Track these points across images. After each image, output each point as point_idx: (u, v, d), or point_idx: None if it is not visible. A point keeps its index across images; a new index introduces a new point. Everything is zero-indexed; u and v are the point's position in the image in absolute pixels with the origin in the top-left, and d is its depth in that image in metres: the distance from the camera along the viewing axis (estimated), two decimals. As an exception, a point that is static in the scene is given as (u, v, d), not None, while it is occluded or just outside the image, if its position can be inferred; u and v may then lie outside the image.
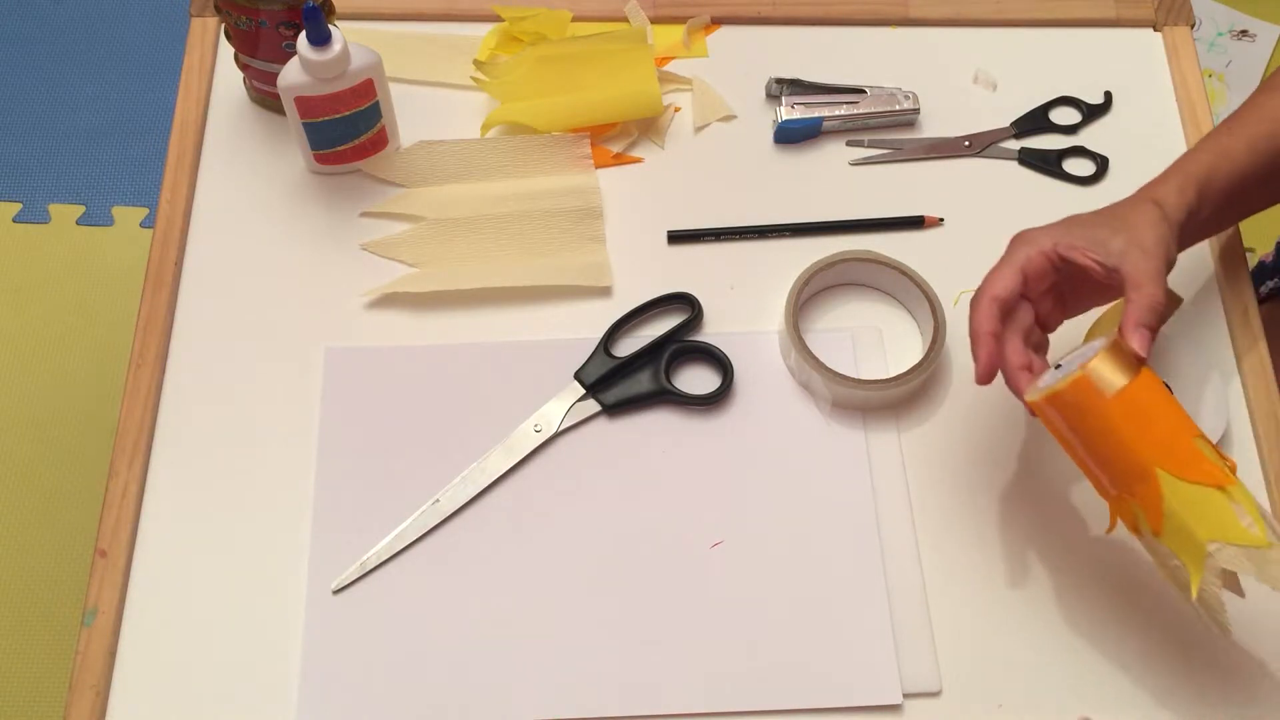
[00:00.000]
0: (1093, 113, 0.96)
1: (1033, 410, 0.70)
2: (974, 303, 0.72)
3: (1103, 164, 0.93)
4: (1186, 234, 0.74)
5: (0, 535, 1.50)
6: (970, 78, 0.98)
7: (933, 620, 0.77)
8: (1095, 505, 0.81)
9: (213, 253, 0.87)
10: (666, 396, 0.83)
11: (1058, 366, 0.71)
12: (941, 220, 0.91)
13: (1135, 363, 0.67)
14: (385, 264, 0.87)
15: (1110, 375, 0.67)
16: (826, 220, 0.90)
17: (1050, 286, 0.73)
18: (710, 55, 0.98)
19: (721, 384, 0.83)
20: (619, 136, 0.93)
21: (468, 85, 0.94)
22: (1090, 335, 0.82)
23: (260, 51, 0.87)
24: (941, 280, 0.85)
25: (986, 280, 0.72)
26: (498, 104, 0.93)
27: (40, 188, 1.77)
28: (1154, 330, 0.68)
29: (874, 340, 0.86)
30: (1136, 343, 0.67)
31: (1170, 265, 0.71)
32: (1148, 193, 0.75)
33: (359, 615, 0.76)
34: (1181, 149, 0.94)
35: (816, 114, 0.93)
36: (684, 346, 0.85)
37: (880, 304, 0.88)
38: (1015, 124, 0.95)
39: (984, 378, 0.70)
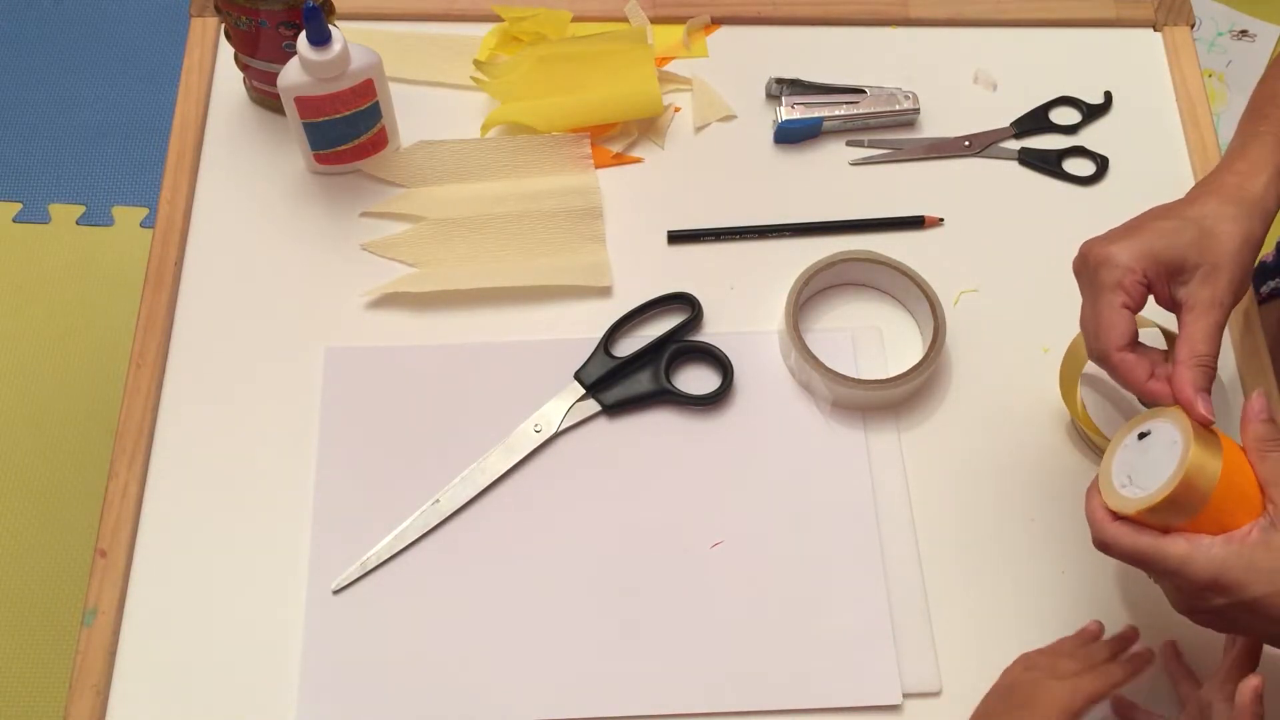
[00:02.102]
0: (1093, 113, 0.96)
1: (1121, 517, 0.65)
2: (1105, 362, 0.65)
3: (1103, 164, 0.93)
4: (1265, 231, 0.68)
5: (0, 535, 1.50)
6: (970, 78, 0.98)
7: (933, 620, 0.77)
8: (1095, 505, 0.81)
9: (213, 253, 0.87)
10: (666, 396, 0.83)
11: (1139, 438, 0.66)
12: (941, 220, 0.91)
13: (1214, 440, 0.63)
14: (385, 264, 0.87)
15: (1210, 466, 0.61)
16: (826, 220, 0.90)
17: None
18: (710, 55, 0.98)
19: (721, 384, 0.83)
20: (619, 136, 0.93)
21: (468, 85, 0.94)
22: (1068, 363, 0.81)
23: (260, 51, 0.87)
24: (941, 280, 0.86)
25: (1100, 331, 0.65)
26: (498, 104, 0.93)
27: (40, 188, 1.77)
28: (1209, 390, 0.64)
29: (874, 340, 0.86)
30: (1204, 408, 0.63)
31: (1239, 298, 0.66)
32: (1237, 187, 0.68)
33: (359, 615, 0.76)
34: (1181, 149, 0.94)
35: (816, 114, 0.93)
36: (684, 346, 0.85)
37: (880, 304, 0.88)
38: (1015, 124, 0.95)
39: (1205, 414, 0.63)
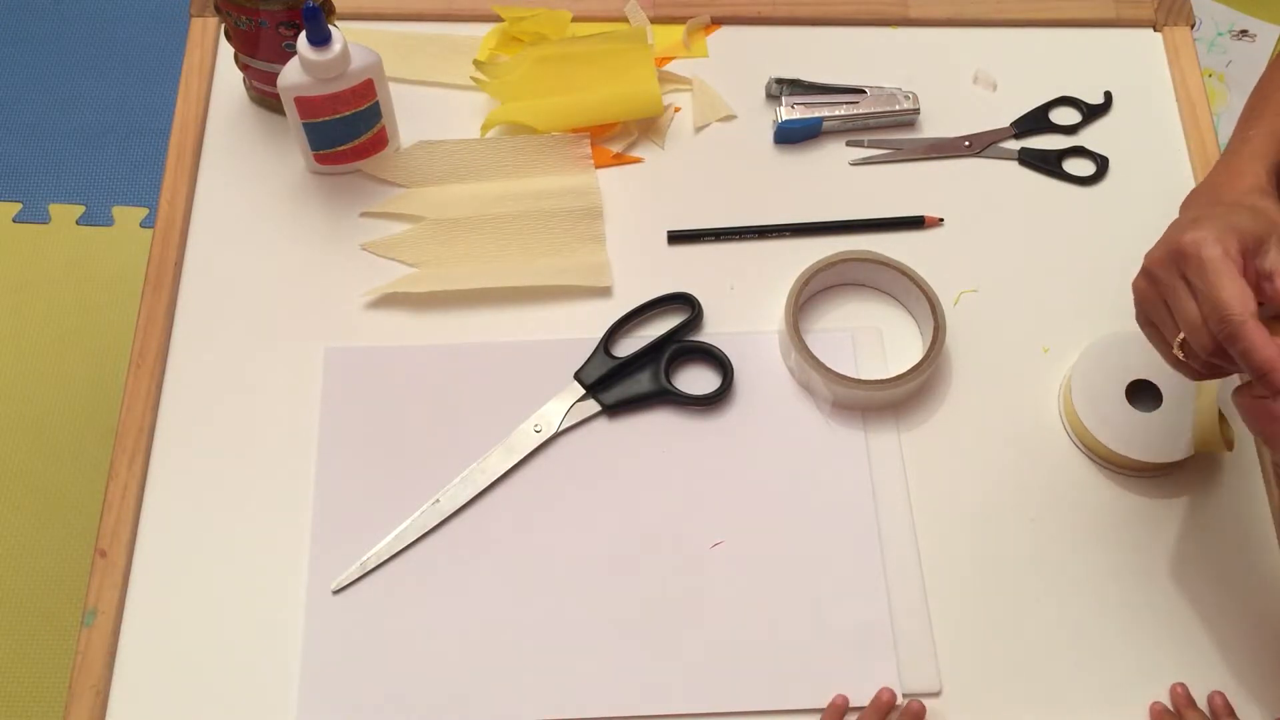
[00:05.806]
0: (1093, 113, 0.96)
1: None
2: (1237, 334, 0.61)
3: (1103, 164, 0.93)
4: None
5: (0, 535, 1.50)
6: (970, 78, 0.98)
7: (933, 620, 0.77)
8: (1095, 504, 0.81)
9: (213, 253, 0.87)
10: (666, 396, 0.83)
11: None
12: (941, 220, 0.91)
13: None
14: (385, 264, 0.87)
15: None
16: (826, 220, 0.90)
17: None
18: (710, 55, 0.98)
19: (721, 384, 0.83)
20: (619, 136, 0.93)
21: (468, 85, 0.94)
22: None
23: (260, 51, 0.87)
24: (941, 280, 0.86)
25: (1230, 301, 0.61)
26: (498, 104, 0.93)
27: (40, 188, 1.77)
28: None
29: (874, 340, 0.86)
30: None
31: None
32: (1229, 187, 0.68)
33: (359, 615, 0.76)
34: (1181, 149, 0.94)
35: (816, 114, 0.93)
36: (684, 346, 0.85)
37: (880, 304, 0.88)
38: (1015, 124, 0.95)
39: None
